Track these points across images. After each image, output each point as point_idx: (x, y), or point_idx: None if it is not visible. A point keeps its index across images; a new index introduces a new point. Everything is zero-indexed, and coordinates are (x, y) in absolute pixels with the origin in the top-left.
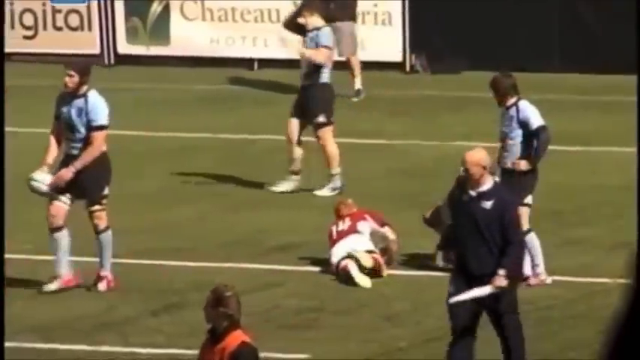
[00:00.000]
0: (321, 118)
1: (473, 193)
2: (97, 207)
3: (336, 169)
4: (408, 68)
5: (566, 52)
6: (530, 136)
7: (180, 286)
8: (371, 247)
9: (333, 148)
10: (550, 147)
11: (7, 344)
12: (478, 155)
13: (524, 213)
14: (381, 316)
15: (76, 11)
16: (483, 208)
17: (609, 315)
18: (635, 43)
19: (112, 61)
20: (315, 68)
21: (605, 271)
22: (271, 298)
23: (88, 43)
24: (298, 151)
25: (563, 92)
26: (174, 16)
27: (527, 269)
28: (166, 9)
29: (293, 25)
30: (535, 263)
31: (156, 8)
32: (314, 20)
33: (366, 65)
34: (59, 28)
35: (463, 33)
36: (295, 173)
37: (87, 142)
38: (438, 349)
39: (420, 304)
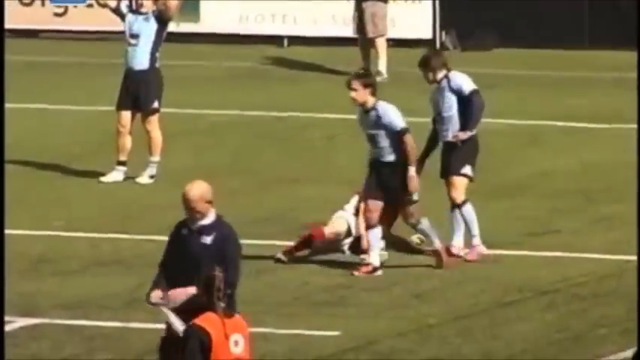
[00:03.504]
0: (155, 104)
1: (193, 226)
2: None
3: (157, 157)
4: (438, 45)
5: (596, 29)
6: (465, 104)
7: None
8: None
9: (159, 134)
10: (580, 124)
11: (37, 320)
12: (200, 191)
13: (462, 184)
14: (410, 293)
15: None
16: (203, 243)
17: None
18: None
19: None
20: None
21: (635, 248)
22: (301, 275)
23: (119, 21)
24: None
25: (593, 69)
26: None
27: (458, 245)
28: None
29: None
30: (472, 234)
31: None
32: None
33: (397, 43)
34: (90, 5)
35: (493, 10)
36: (122, 164)
37: None
38: (467, 326)
39: (449, 281)
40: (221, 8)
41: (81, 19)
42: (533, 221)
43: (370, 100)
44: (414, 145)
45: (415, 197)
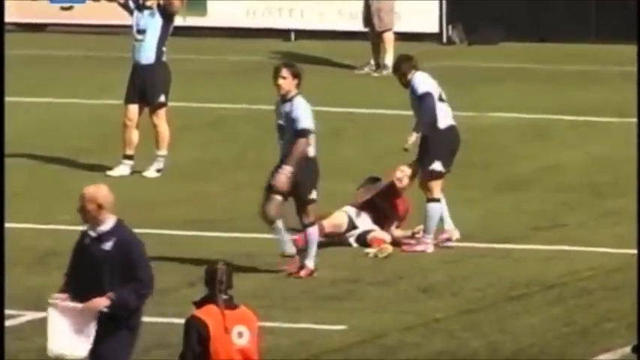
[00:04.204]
0: (162, 98)
1: (93, 234)
2: None
3: (164, 151)
4: (444, 39)
5: (602, 23)
6: (420, 104)
7: (216, 257)
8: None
9: (166, 128)
10: (587, 118)
11: (44, 314)
12: (93, 193)
13: (432, 182)
14: (417, 287)
15: None
16: (103, 249)
17: None
18: None
19: None
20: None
21: None
22: None
23: (125, 15)
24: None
25: (599, 63)
26: None
27: (449, 228)
28: None
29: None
30: (424, 230)
31: None
32: None
33: (403, 36)
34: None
35: (500, 4)
36: (129, 157)
37: None
38: (474, 320)
39: (456, 275)
40: (228, 2)
41: (87, 13)
42: (541, 215)
43: (292, 92)
44: (304, 150)
45: (313, 196)
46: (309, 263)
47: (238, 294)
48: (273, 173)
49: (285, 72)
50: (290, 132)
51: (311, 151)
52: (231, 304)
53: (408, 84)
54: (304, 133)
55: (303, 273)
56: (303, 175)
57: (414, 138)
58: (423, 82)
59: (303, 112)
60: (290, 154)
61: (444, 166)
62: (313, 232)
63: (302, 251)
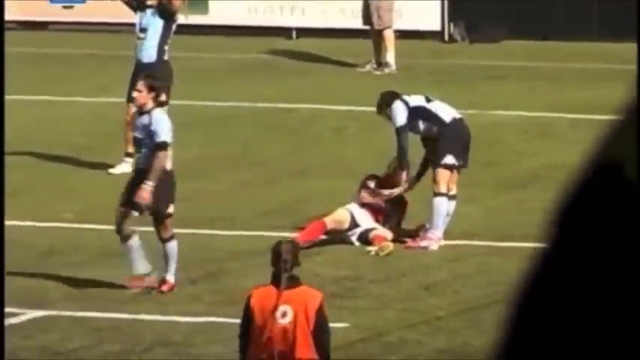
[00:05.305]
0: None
1: None
2: None
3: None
4: (446, 37)
5: (605, 20)
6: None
7: (218, 255)
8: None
9: None
10: (590, 116)
11: (46, 312)
12: None
13: (443, 175)
14: (419, 285)
15: None
16: None
17: None
18: None
19: None
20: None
21: None
22: (310, 266)
23: (127, 13)
24: None
25: (602, 61)
26: None
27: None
28: None
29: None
30: (430, 226)
31: None
32: None
33: (405, 34)
34: None
35: (501, 2)
36: (131, 155)
37: None
38: (476, 318)
39: (458, 273)
40: (229, 1)
41: (89, 11)
42: (543, 213)
43: (149, 105)
44: (164, 164)
45: (171, 210)
46: (170, 278)
47: (241, 291)
48: (128, 188)
49: (140, 85)
50: (148, 145)
51: (168, 165)
52: (292, 283)
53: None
54: (164, 146)
55: (165, 288)
56: (161, 189)
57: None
58: (400, 113)
59: (163, 126)
60: (151, 169)
61: (457, 159)
62: (173, 246)
63: (303, 249)
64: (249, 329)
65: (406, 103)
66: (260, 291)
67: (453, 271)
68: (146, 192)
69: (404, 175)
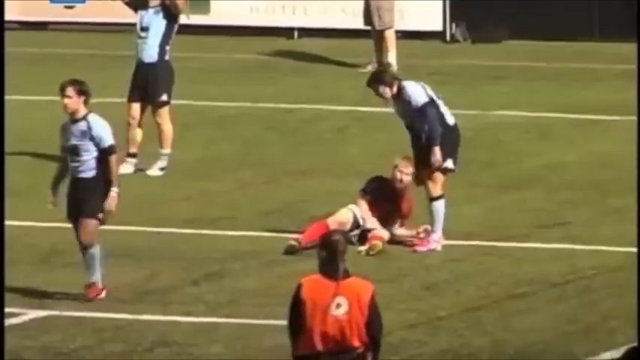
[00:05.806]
0: (164, 97)
1: None
2: None
3: (168, 149)
4: (448, 37)
5: (606, 21)
6: (420, 114)
7: (220, 255)
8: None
9: (169, 127)
10: (591, 116)
11: (48, 312)
12: None
13: (440, 178)
14: (420, 285)
15: None
16: None
17: None
18: None
19: None
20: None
21: None
22: (312, 267)
23: (128, 13)
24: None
25: (603, 61)
26: None
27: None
28: None
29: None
30: (433, 229)
31: None
32: None
33: (407, 35)
34: None
35: (503, 2)
36: (133, 155)
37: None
38: (477, 318)
39: (459, 273)
40: (231, 1)
41: (90, 11)
42: (544, 213)
43: (82, 110)
44: (115, 165)
45: (100, 215)
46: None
47: (242, 292)
48: (72, 199)
49: (69, 91)
50: (94, 151)
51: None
52: (347, 274)
53: (393, 93)
54: (114, 149)
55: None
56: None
57: (438, 154)
58: (420, 91)
59: (104, 130)
60: (111, 175)
61: (454, 164)
62: (96, 251)
63: (304, 249)
64: (301, 321)
65: (423, 87)
66: (311, 282)
67: (455, 272)
68: (114, 200)
69: (437, 150)
